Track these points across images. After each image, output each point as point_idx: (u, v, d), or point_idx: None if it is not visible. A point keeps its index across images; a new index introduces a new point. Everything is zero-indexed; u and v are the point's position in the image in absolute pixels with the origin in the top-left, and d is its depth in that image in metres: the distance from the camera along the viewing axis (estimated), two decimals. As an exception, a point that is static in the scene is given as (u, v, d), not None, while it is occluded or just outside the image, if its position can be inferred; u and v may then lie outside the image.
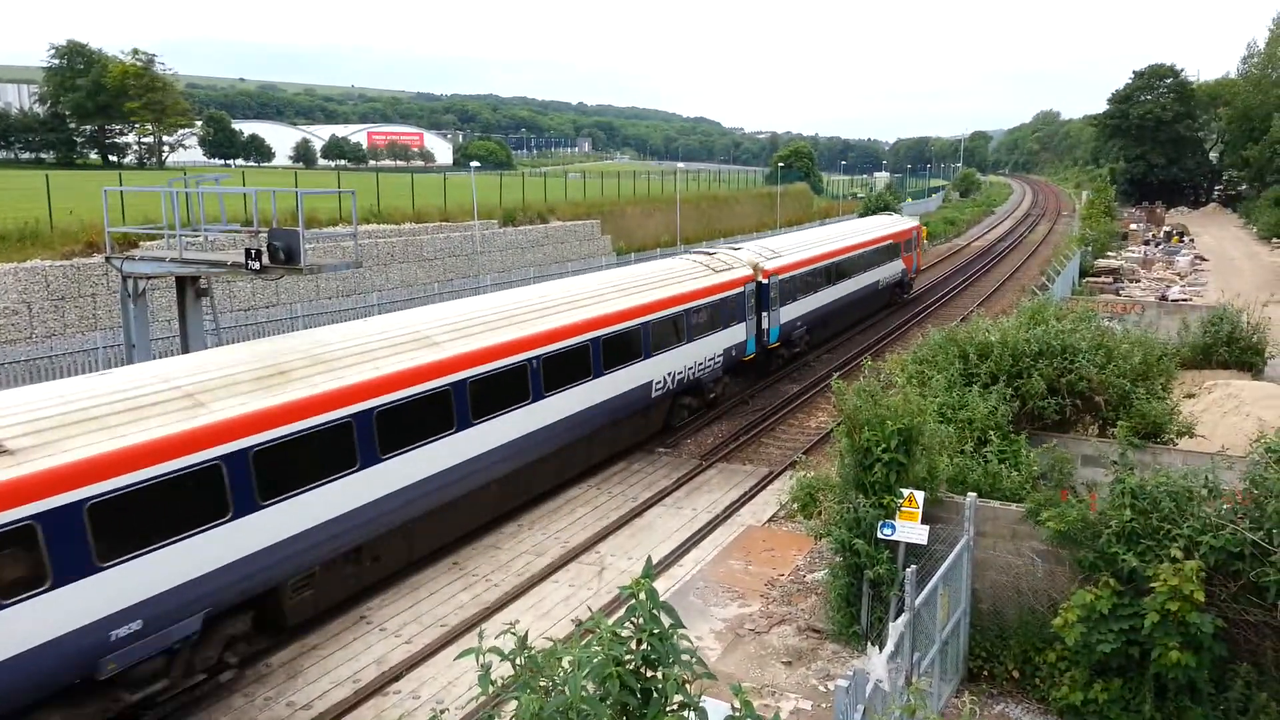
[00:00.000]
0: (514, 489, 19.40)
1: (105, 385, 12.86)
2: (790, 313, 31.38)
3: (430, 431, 16.24)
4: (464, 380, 17.00)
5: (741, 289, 27.86)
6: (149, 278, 18.84)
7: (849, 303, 38.19)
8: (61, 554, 10.88)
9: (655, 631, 5.57)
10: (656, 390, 23.62)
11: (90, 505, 11.20)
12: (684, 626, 5.75)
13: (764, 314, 29.43)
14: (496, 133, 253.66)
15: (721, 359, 26.82)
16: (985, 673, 12.06)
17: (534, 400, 18.86)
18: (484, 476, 17.81)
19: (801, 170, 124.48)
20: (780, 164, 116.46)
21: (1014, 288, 50.14)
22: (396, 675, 13.80)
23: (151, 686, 12.28)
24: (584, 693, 5.24)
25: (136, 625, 11.66)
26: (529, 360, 18.76)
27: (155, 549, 11.86)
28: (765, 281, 29.27)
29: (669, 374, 24.04)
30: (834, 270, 35.88)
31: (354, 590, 15.84)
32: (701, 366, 25.74)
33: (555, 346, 19.57)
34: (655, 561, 17.39)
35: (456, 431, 16.79)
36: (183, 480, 12.21)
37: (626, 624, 5.66)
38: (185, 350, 18.00)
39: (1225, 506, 10.39)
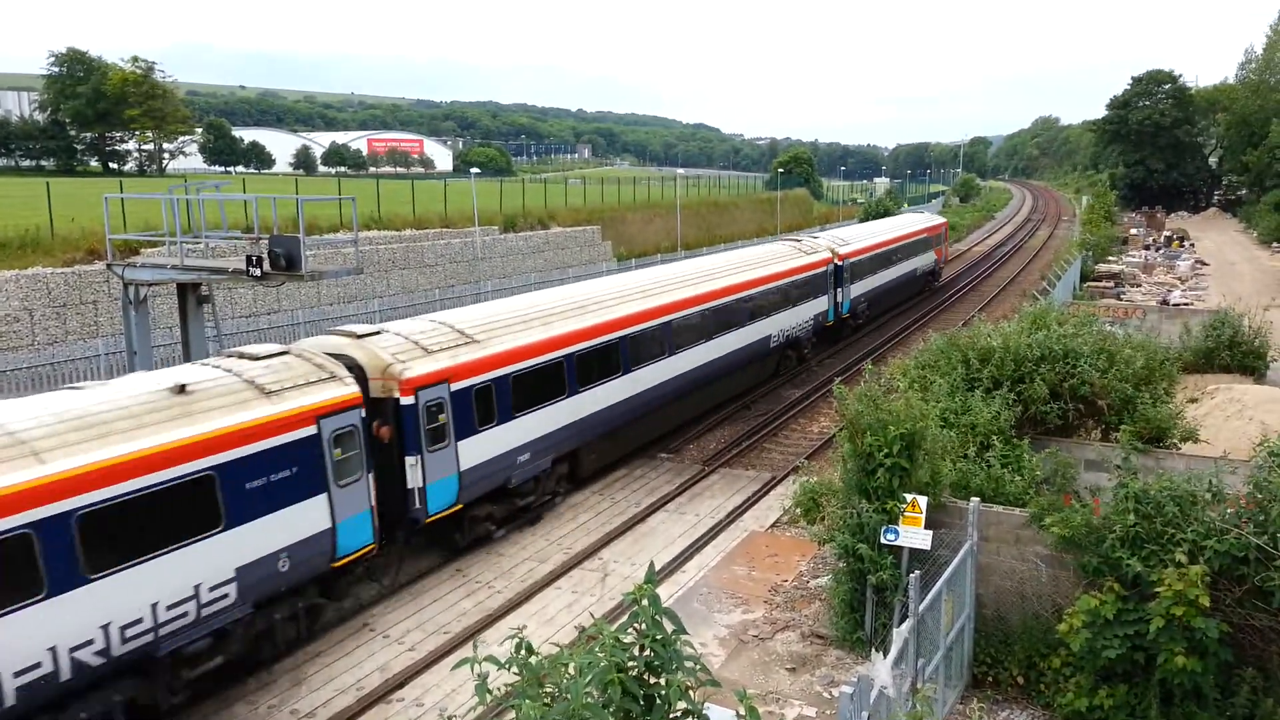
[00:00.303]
0: (701, 398, 26.65)
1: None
2: (857, 290, 38.45)
3: (654, 355, 23.51)
4: (673, 319, 24.42)
5: (825, 269, 34.44)
6: (150, 284, 18.87)
7: (897, 284, 45.20)
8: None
9: (658, 638, 5.56)
10: (773, 343, 30.34)
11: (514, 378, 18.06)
12: (687, 633, 5.74)
13: (839, 289, 36.24)
14: (496, 139, 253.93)
15: (812, 322, 33.30)
16: (990, 678, 12.02)
17: (710, 339, 26.16)
18: (683, 387, 25.06)
19: (801, 176, 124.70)
20: (780, 170, 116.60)
21: (1015, 292, 50.14)
22: (400, 683, 13.75)
23: (533, 496, 19.28)
24: (587, 699, 5.23)
25: (525, 456, 18.62)
26: (705, 309, 25.97)
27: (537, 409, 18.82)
28: (840, 264, 36.07)
29: (780, 330, 30.53)
30: (888, 256, 43.37)
31: (612, 459, 22.61)
32: (799, 327, 32.10)
33: (715, 303, 26.50)
34: (658, 568, 17.34)
35: (670, 357, 24.16)
36: (548, 369, 19.31)
37: (630, 630, 5.65)
38: (187, 358, 17.99)
39: (1229, 511, 10.37)
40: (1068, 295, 37.35)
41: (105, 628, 11.24)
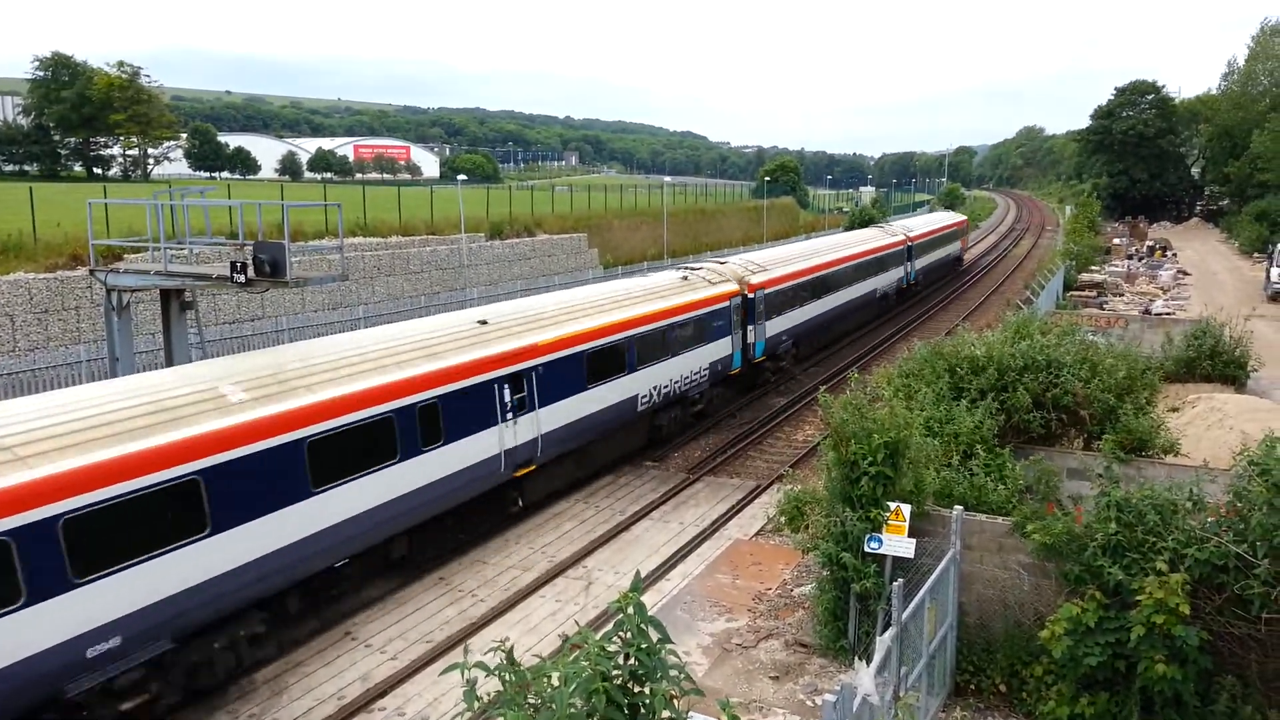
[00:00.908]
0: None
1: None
2: (920, 263, 52.24)
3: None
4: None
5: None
6: (133, 290, 18.72)
7: (939, 264, 59.03)
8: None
9: (643, 646, 5.55)
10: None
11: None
12: (672, 642, 5.73)
13: (908, 263, 49.65)
14: (483, 146, 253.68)
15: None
16: (972, 686, 12.05)
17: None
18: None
19: (788, 184, 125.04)
20: (766, 178, 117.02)
21: (999, 301, 50.38)
22: (382, 692, 13.69)
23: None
24: (571, 709, 5.21)
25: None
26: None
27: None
28: (910, 244, 50.01)
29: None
30: (933, 242, 56.24)
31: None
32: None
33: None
34: (642, 576, 17.31)
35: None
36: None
37: (614, 639, 5.64)
38: (169, 363, 17.88)
39: (1210, 520, 10.43)
40: (1051, 304, 37.57)
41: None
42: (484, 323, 19.33)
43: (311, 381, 14.79)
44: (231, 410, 13.37)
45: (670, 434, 25.70)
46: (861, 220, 75.30)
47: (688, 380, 25.64)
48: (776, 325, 30.90)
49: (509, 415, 18.47)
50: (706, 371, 26.65)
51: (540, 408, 19.39)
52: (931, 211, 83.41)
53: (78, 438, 11.70)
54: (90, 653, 11.45)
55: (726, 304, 27.57)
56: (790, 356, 33.22)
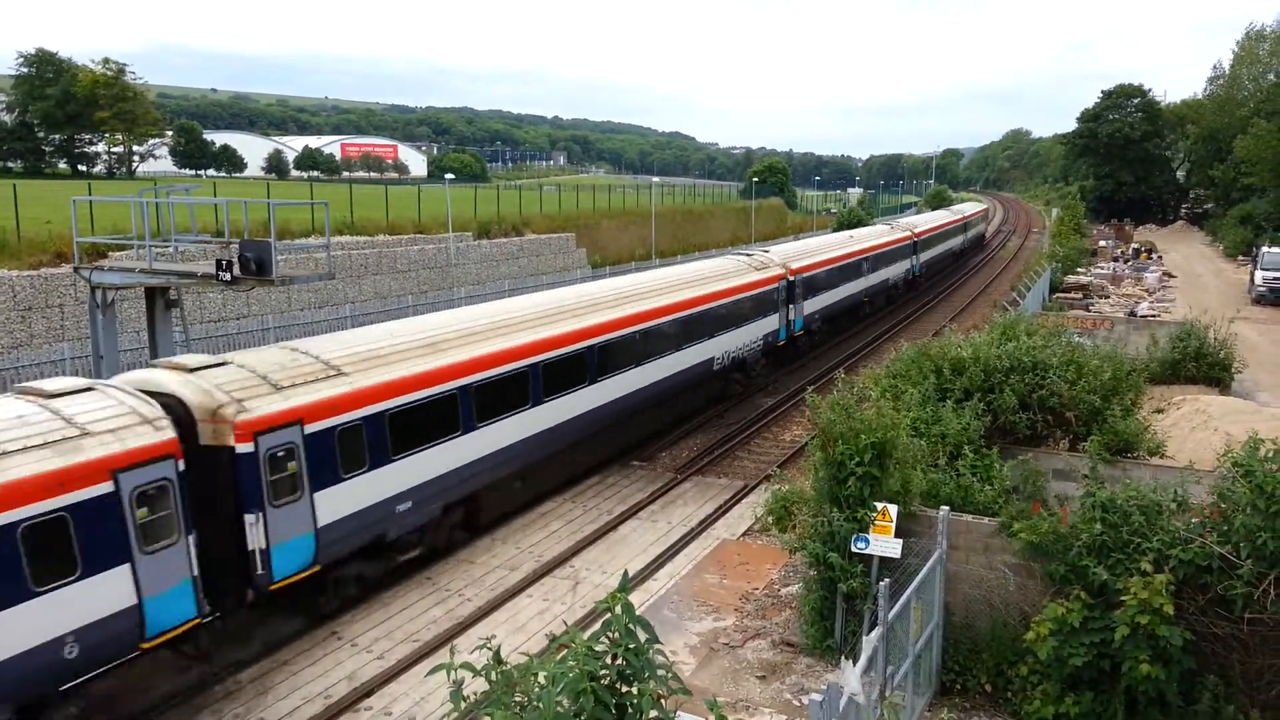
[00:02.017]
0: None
1: None
2: (925, 256, 56.20)
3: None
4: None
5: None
6: (118, 288, 18.63)
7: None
8: None
9: (630, 646, 5.54)
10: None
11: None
12: (660, 641, 5.72)
13: (914, 256, 53.69)
14: (471, 145, 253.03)
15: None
16: (958, 686, 12.09)
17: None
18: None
19: (776, 185, 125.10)
20: (755, 179, 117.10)
21: (986, 303, 50.59)
22: (368, 691, 13.65)
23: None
24: (559, 709, 5.20)
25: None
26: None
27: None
28: (915, 240, 54.47)
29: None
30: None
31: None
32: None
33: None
34: (630, 575, 17.28)
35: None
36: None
37: (602, 638, 5.63)
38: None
39: (1194, 520, 10.50)
40: (1037, 306, 37.72)
41: None
42: (621, 290, 25.14)
43: (536, 323, 20.81)
44: (483, 343, 19.01)
45: (732, 392, 30.30)
46: (850, 221, 75.77)
47: (746, 348, 30.13)
48: (811, 305, 35.86)
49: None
50: (760, 342, 31.21)
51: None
52: (936, 209, 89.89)
53: (384, 360, 16.69)
54: (398, 509, 16.56)
55: (775, 285, 32.06)
56: (821, 331, 38.30)
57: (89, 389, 13.12)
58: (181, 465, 12.96)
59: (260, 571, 14.01)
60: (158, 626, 12.66)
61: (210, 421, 13.72)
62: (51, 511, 11.46)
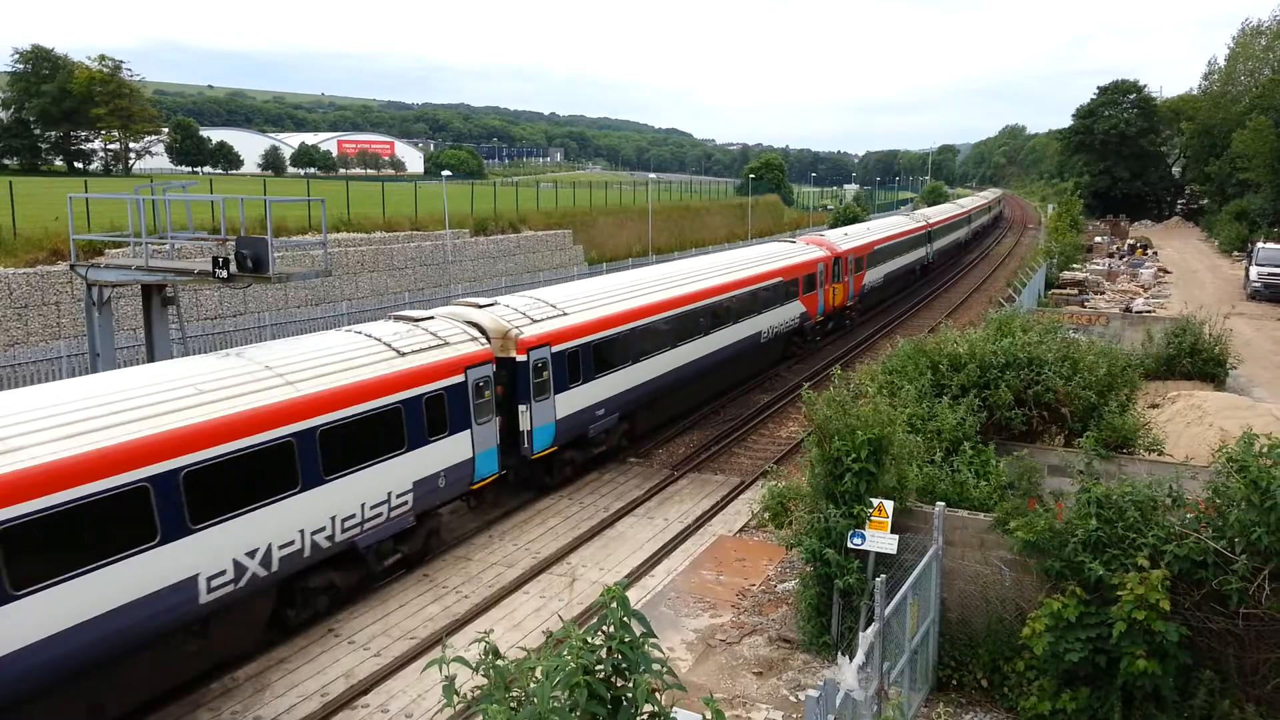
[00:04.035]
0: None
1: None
2: (938, 244, 62.24)
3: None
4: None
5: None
6: (114, 286, 18.63)
7: (952, 245, 70.37)
8: None
9: (626, 640, 5.55)
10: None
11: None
12: (655, 635, 5.74)
13: (928, 245, 58.38)
14: (468, 142, 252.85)
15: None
16: (954, 682, 12.12)
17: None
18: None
19: (772, 182, 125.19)
20: (751, 175, 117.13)
21: (982, 299, 50.64)
22: (365, 689, 13.65)
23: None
24: (554, 703, 5.21)
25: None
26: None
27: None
28: (930, 229, 59.63)
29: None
30: (948, 227, 67.22)
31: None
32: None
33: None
34: (626, 573, 17.36)
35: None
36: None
37: (598, 633, 5.65)
38: (151, 360, 17.77)
39: (1189, 516, 10.52)
40: (1033, 302, 37.75)
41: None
42: (709, 266, 30.68)
43: (670, 283, 26.82)
44: (646, 295, 25.23)
45: (791, 353, 35.41)
46: (847, 217, 75.89)
47: (796, 320, 34.70)
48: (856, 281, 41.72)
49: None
50: (808, 315, 36.11)
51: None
52: (940, 204, 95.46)
53: (590, 305, 22.91)
54: (597, 414, 22.31)
55: (820, 266, 36.83)
56: (857, 310, 43.23)
57: (433, 318, 18.91)
58: (494, 368, 18.78)
59: (526, 446, 20.02)
60: (479, 475, 18.53)
61: (501, 339, 19.63)
62: (438, 389, 17.08)
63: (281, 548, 13.99)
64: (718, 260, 32.65)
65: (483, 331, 19.25)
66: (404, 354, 16.86)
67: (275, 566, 13.95)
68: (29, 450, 11.10)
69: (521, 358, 19.73)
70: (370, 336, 17.13)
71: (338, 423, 14.83)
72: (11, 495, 10.69)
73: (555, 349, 20.72)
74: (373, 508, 15.65)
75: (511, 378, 19.54)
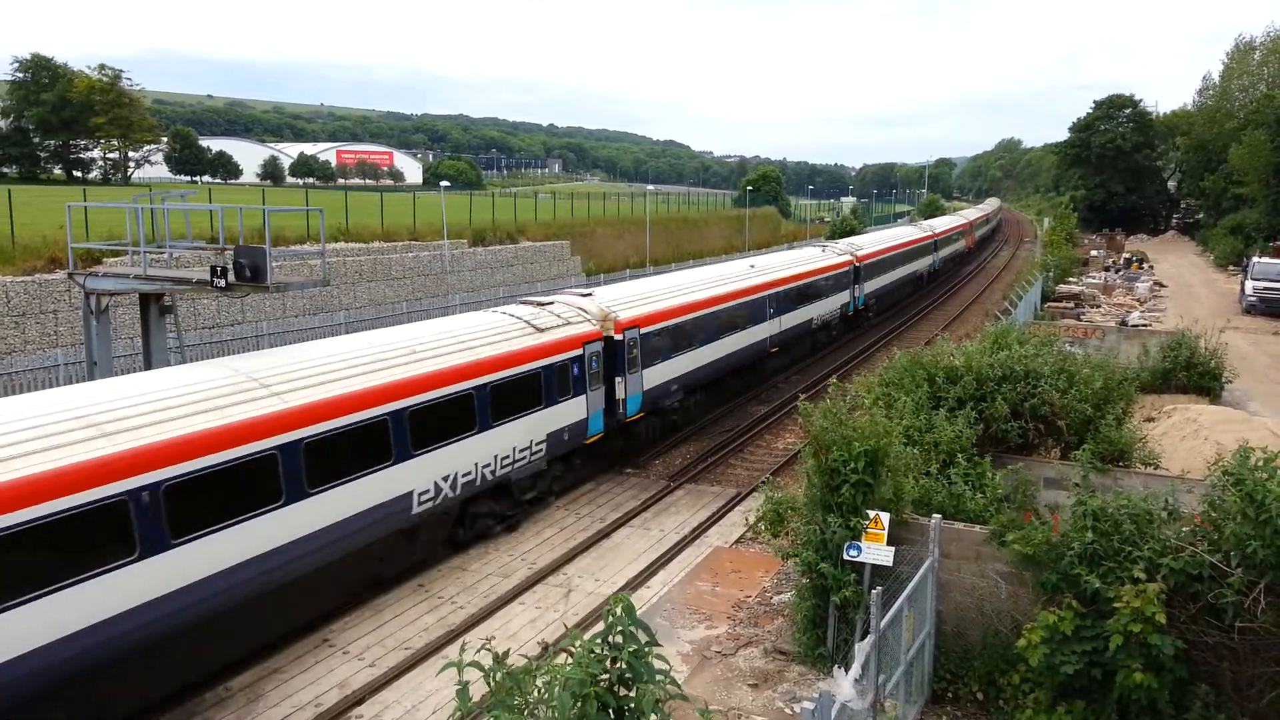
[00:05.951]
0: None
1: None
2: (943, 253, 66.60)
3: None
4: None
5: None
6: (112, 294, 18.61)
7: (953, 255, 73.94)
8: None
9: (631, 649, 5.56)
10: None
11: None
12: (659, 644, 5.75)
13: (934, 254, 63.41)
14: (466, 153, 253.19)
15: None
16: (950, 694, 12.10)
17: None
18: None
19: (769, 194, 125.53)
20: (749, 188, 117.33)
21: (978, 312, 50.74)
22: (359, 699, 13.62)
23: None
24: (566, 712, 5.23)
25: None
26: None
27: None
28: (936, 239, 64.08)
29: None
30: (949, 238, 71.08)
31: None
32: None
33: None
34: (622, 584, 17.35)
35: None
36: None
37: (603, 642, 5.66)
38: (148, 368, 17.76)
39: (1185, 529, 10.53)
40: (1029, 315, 37.82)
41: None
42: (753, 266, 34.88)
43: (728, 280, 31.20)
44: (735, 282, 31.10)
45: (821, 343, 40.53)
46: (844, 230, 76.19)
47: (829, 315, 40.02)
48: (869, 286, 45.67)
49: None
50: (838, 312, 41.32)
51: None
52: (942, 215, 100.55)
53: (667, 296, 27.03)
54: (671, 389, 25.92)
55: (845, 269, 41.89)
56: (874, 309, 47.79)
57: (554, 302, 23.23)
58: (603, 344, 22.76)
59: (621, 411, 23.50)
60: (590, 433, 22.37)
61: (602, 321, 23.22)
62: (565, 360, 21.11)
63: (463, 476, 17.95)
64: (773, 260, 38.24)
65: (587, 315, 23.01)
66: (541, 330, 21.07)
67: (459, 490, 17.93)
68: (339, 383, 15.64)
69: (619, 336, 23.47)
70: (513, 316, 21.39)
71: (500, 381, 19.04)
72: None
73: (644, 330, 24.56)
74: (520, 451, 19.84)
75: (610, 354, 23.12)
